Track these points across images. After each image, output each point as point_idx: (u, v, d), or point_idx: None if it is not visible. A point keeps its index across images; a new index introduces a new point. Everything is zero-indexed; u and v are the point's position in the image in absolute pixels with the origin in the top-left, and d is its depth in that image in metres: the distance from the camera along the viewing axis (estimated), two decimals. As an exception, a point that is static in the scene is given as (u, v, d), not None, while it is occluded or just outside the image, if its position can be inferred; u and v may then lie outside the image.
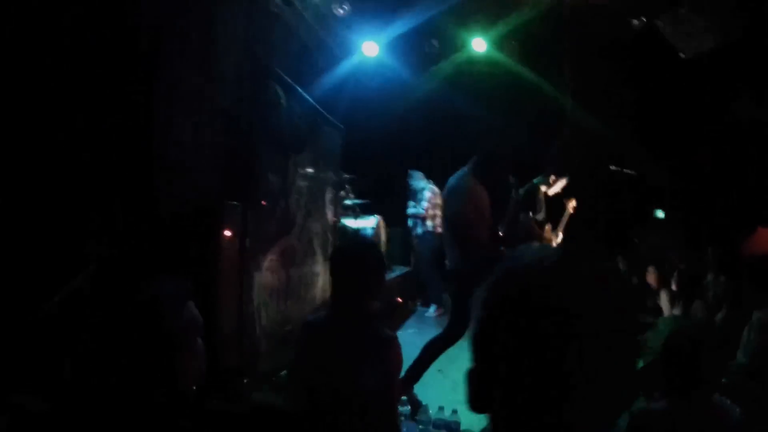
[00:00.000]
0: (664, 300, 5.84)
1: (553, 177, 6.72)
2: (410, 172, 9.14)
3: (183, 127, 4.63)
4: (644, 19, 7.66)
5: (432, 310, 8.72)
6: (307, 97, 5.78)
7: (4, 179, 3.75)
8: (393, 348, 2.76)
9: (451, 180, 4.96)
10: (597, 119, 9.64)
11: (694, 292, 5.90)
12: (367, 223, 8.36)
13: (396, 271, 8.70)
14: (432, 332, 5.45)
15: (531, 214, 6.66)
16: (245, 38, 5.11)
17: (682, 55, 6.98)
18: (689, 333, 2.56)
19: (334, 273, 2.89)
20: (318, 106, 6.17)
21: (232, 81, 4.99)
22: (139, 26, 4.28)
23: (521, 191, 7.03)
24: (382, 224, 8.69)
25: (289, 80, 5.30)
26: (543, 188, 6.82)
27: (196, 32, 4.76)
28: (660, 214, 6.67)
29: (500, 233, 5.04)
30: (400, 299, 8.62)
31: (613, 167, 6.33)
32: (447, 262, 5.10)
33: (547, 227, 6.84)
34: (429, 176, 9.22)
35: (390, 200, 9.16)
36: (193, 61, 4.67)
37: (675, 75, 8.52)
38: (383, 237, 8.84)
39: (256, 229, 4.97)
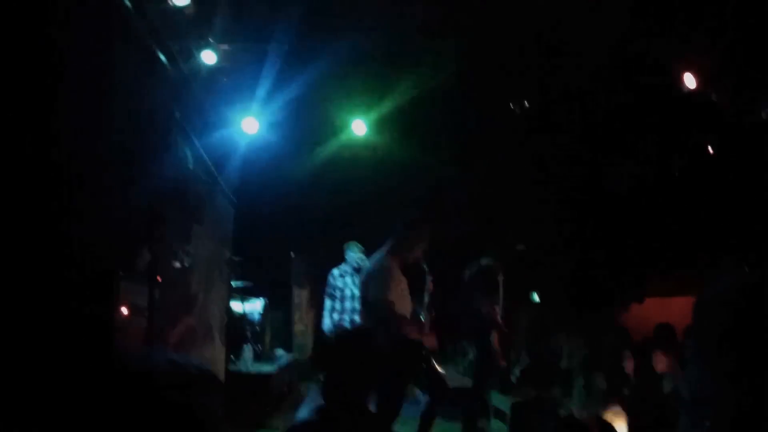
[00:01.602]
0: None
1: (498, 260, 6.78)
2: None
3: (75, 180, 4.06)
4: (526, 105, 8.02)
5: None
6: (207, 160, 5.33)
7: None
8: None
9: (369, 263, 4.95)
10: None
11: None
12: (254, 307, 7.85)
13: (283, 358, 8.16)
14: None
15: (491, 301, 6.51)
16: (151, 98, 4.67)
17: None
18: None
19: (333, 367, 2.60)
20: (217, 177, 5.74)
21: (134, 140, 4.50)
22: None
23: (468, 273, 6.94)
24: (266, 308, 8.21)
25: (192, 137, 4.86)
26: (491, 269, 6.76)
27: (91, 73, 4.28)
28: (535, 296, 6.78)
29: (420, 318, 4.93)
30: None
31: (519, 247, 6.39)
32: None
33: None
34: (316, 260, 8.95)
35: (273, 283, 8.70)
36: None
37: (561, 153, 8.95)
38: (264, 321, 8.33)
39: (158, 307, 4.39)
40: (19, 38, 3.47)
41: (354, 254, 7.82)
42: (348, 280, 7.65)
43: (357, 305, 6.39)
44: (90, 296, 4.10)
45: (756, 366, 2.28)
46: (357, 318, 6.68)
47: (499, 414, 6.90)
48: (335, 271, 7.74)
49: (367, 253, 6.63)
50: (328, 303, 7.66)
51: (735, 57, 6.30)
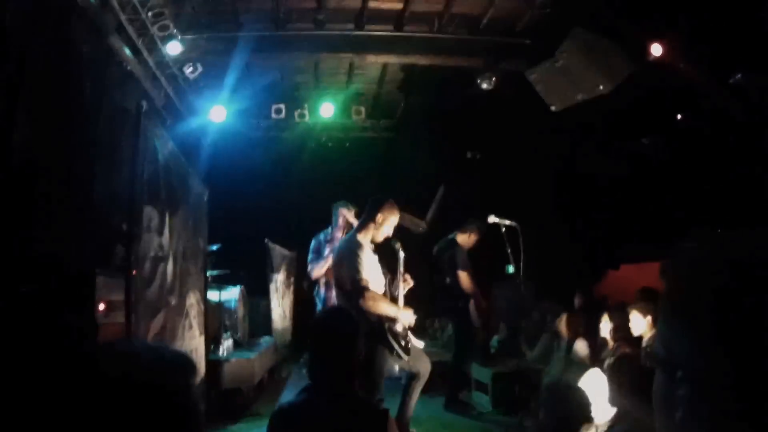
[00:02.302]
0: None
1: (469, 233, 6.94)
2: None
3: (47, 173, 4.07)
4: (493, 79, 8.08)
5: None
6: (177, 151, 5.33)
7: None
8: (391, 424, 2.49)
9: (341, 243, 4.98)
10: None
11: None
12: (231, 295, 7.87)
13: (262, 344, 8.20)
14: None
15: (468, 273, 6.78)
16: (120, 90, 4.66)
17: (552, 108, 7.39)
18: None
19: (316, 348, 2.64)
20: (186, 162, 5.74)
21: (105, 132, 4.50)
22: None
23: (438, 248, 7.07)
24: (243, 295, 8.24)
25: (162, 129, 4.85)
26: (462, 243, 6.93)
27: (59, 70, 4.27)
28: (510, 269, 6.89)
29: (395, 295, 4.98)
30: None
31: (493, 219, 6.48)
32: None
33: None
34: (287, 242, 8.96)
35: (249, 269, 8.72)
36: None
37: (518, 133, 9.07)
38: (242, 309, 8.36)
39: (136, 300, 4.40)
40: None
41: (341, 212, 6.70)
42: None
43: None
44: (67, 295, 4.14)
45: (727, 326, 2.39)
46: None
47: (480, 386, 7.02)
48: (321, 236, 6.80)
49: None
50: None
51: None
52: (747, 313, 2.29)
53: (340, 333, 2.65)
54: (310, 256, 6.77)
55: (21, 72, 3.85)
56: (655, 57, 6.87)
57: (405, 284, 4.95)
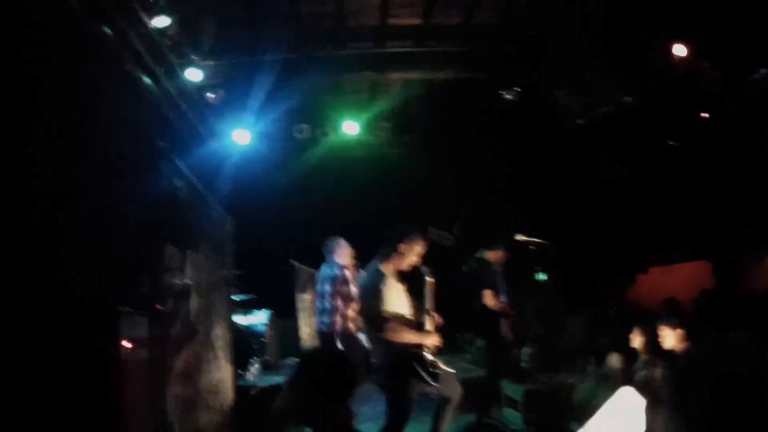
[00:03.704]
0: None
1: (497, 250, 6.88)
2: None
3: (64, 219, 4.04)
4: (517, 90, 7.98)
5: None
6: (198, 184, 5.33)
7: None
8: None
9: (364, 277, 4.96)
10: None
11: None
12: (258, 319, 7.86)
13: (291, 367, 8.15)
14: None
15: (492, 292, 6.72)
16: (138, 123, 4.65)
17: (578, 121, 7.30)
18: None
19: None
20: (210, 197, 5.73)
21: (124, 168, 4.47)
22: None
23: (467, 268, 7.01)
24: (271, 318, 8.21)
25: (180, 165, 4.85)
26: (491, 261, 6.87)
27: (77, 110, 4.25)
28: (541, 276, 6.83)
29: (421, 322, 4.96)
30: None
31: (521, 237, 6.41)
32: (372, 359, 4.99)
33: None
34: (313, 261, 8.91)
35: (275, 290, 8.71)
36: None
37: (546, 144, 8.95)
38: (270, 331, 8.33)
39: (161, 337, 4.38)
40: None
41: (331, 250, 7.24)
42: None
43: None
44: (91, 333, 4.10)
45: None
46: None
47: (511, 403, 6.89)
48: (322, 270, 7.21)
49: (362, 256, 6.60)
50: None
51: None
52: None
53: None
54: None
55: (37, 105, 3.83)
56: (678, 58, 6.70)
57: (431, 321, 4.92)
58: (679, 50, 6.63)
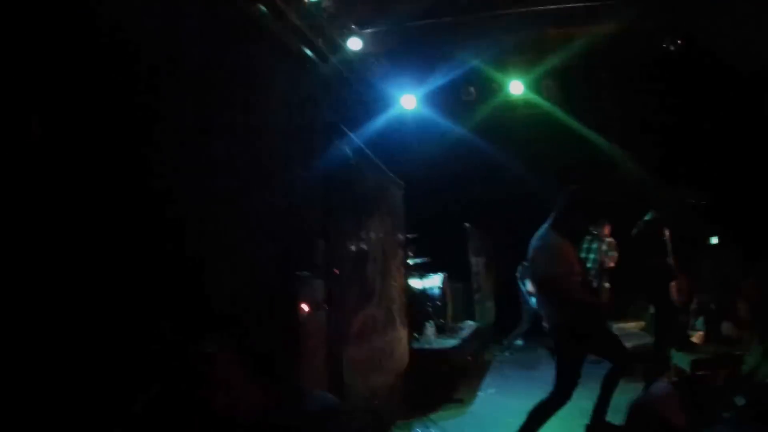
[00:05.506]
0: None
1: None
2: None
3: (247, 192, 4.29)
4: (678, 41, 7.41)
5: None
6: (371, 154, 5.46)
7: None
8: None
9: (534, 240, 4.86)
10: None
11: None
12: (433, 282, 7.96)
13: (465, 329, 8.22)
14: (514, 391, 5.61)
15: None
16: (308, 95, 4.83)
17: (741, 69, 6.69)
18: None
19: None
20: (381, 164, 5.85)
21: (299, 140, 4.68)
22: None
23: (636, 231, 6.75)
24: (446, 281, 8.27)
25: (354, 137, 4.98)
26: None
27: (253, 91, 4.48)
28: (714, 239, 6.28)
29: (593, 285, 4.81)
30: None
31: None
32: (544, 323, 5.00)
33: None
34: (485, 225, 8.87)
35: (449, 255, 8.75)
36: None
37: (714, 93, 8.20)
38: (445, 295, 8.41)
39: (338, 301, 4.57)
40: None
41: None
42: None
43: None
44: (273, 297, 4.36)
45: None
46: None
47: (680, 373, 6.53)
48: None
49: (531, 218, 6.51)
50: None
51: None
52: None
53: None
54: None
55: (204, 89, 4.05)
56: None
57: (604, 284, 4.77)
58: None
